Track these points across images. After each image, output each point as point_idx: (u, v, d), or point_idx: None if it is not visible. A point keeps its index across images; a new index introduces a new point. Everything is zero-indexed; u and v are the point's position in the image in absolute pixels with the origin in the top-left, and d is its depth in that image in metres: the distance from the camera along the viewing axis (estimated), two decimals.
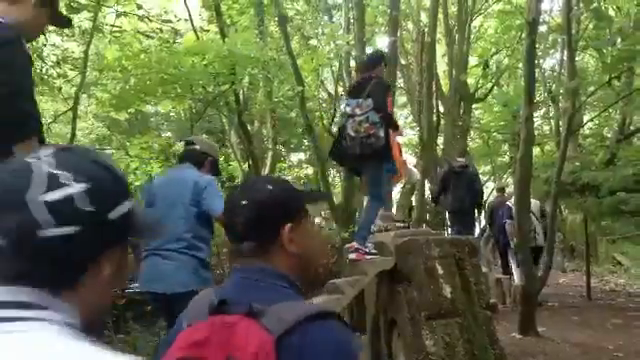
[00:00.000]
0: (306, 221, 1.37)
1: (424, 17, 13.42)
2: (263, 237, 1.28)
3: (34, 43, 6.93)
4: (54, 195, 0.73)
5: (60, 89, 9.05)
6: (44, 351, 0.66)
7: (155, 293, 3.19)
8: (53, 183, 0.74)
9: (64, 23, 3.03)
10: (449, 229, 9.92)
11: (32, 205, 0.72)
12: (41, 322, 0.70)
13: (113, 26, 9.72)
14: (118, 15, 9.41)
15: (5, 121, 2.33)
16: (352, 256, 4.49)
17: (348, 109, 4.63)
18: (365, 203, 5.06)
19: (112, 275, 0.82)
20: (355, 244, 4.56)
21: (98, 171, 0.80)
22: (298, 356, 1.00)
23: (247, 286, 1.21)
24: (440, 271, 4.37)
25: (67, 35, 9.00)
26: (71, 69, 9.43)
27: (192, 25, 10.57)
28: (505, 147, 18.74)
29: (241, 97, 11.51)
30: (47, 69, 8.54)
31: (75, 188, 0.75)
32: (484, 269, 7.13)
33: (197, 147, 3.53)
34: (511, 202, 8.87)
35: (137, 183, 12.43)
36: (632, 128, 14.54)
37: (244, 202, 1.27)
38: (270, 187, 1.32)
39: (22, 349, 0.65)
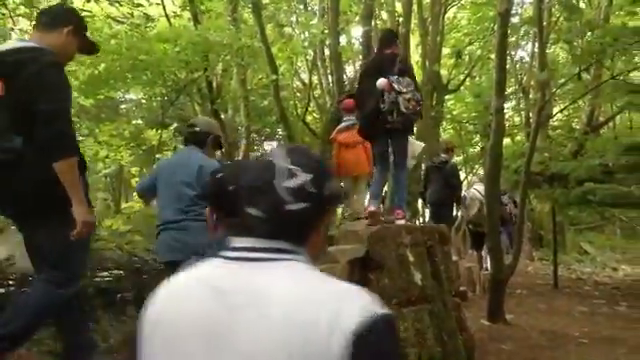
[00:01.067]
0: None
1: (399, 7, 13.41)
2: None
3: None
4: (292, 183, 1.09)
5: None
6: (302, 276, 1.06)
7: (174, 262, 3.38)
8: (291, 174, 1.09)
9: (92, 51, 3.25)
10: (426, 220, 10.02)
11: (279, 189, 1.08)
12: (294, 261, 1.09)
13: (83, 10, 9.50)
14: None
15: (47, 139, 2.56)
16: (402, 222, 4.80)
17: (396, 85, 4.70)
18: (393, 173, 5.20)
19: (324, 232, 1.21)
20: (401, 212, 4.89)
21: (316, 164, 1.15)
22: None
23: None
24: (411, 259, 4.40)
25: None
26: None
27: (164, 11, 10.42)
28: (477, 138, 18.94)
29: (214, 84, 11.41)
30: None
31: (305, 177, 1.10)
32: (454, 257, 7.22)
33: (197, 129, 3.88)
34: (470, 191, 9.14)
35: (106, 170, 12.26)
36: (601, 119, 14.86)
37: (231, 187, 1.46)
38: None
39: (290, 275, 1.05)
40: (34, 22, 2.94)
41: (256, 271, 1.06)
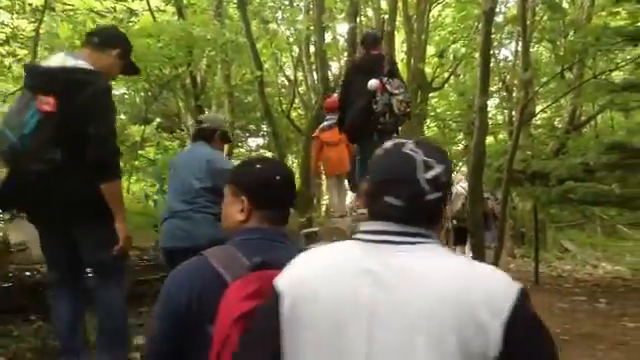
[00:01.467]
0: None
1: (384, 4, 13.42)
2: (289, 206, 1.67)
3: None
4: (430, 174, 1.16)
5: (9, 68, 8.72)
6: (447, 258, 1.15)
7: (174, 250, 3.52)
8: (428, 166, 1.17)
9: (133, 73, 3.44)
10: None
11: (421, 180, 1.15)
12: (433, 244, 1.17)
13: (65, 4, 9.40)
14: None
15: (97, 162, 2.71)
16: None
17: (388, 87, 4.68)
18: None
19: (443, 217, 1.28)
20: None
21: (445, 155, 1.23)
22: None
23: (274, 247, 1.54)
24: None
25: (17, 12, 8.65)
26: (21, 47, 9.08)
27: (148, 5, 10.33)
28: (460, 136, 19.03)
29: (198, 80, 11.33)
30: None
31: (440, 168, 1.18)
32: None
33: (205, 125, 3.98)
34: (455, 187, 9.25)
35: None
36: (583, 119, 15.01)
37: (278, 177, 1.62)
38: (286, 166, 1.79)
39: (435, 257, 1.14)
40: (84, 41, 3.07)
41: (399, 253, 1.14)
